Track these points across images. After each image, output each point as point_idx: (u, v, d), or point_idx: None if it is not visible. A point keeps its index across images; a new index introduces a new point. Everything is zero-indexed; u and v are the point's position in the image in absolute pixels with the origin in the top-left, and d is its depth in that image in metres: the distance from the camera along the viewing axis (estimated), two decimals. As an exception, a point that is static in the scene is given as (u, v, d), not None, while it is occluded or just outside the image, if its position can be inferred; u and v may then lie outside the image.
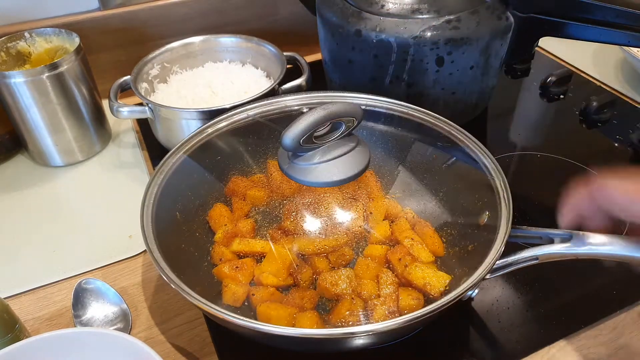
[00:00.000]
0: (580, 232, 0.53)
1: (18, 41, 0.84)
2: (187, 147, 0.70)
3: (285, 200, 0.76)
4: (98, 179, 0.85)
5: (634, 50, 1.00)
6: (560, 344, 0.59)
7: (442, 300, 0.50)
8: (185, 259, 0.64)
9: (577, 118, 0.95)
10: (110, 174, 0.86)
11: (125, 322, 0.63)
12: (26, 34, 0.84)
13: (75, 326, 0.62)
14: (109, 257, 0.71)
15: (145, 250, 0.72)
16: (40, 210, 0.80)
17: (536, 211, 0.74)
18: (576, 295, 0.64)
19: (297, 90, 0.84)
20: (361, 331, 0.49)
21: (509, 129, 0.94)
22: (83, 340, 0.51)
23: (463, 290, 0.51)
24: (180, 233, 0.66)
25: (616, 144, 0.88)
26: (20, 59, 0.85)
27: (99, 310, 0.63)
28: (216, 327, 0.62)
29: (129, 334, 0.60)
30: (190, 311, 0.64)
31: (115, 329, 0.61)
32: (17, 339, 0.54)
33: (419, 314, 0.49)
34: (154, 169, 0.86)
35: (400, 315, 0.57)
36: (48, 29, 0.85)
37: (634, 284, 0.65)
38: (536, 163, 0.85)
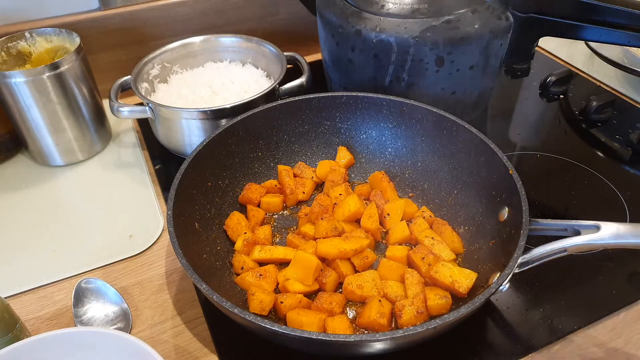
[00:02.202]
0: (608, 223, 0.54)
1: (19, 41, 0.84)
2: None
3: (300, 205, 0.76)
4: (98, 179, 0.86)
5: (634, 50, 1.00)
6: (561, 344, 0.59)
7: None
8: (208, 269, 0.64)
9: (577, 118, 0.95)
10: (110, 173, 0.86)
11: (125, 322, 0.63)
12: (27, 34, 0.84)
13: (75, 325, 0.62)
14: (109, 256, 0.72)
15: (145, 250, 0.73)
16: (41, 209, 0.80)
17: (536, 211, 0.75)
18: (576, 295, 0.64)
19: (298, 90, 0.85)
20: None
21: (509, 128, 0.94)
22: (83, 340, 0.51)
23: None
24: (201, 243, 0.66)
25: (616, 144, 0.88)
26: (21, 59, 0.85)
27: (99, 309, 0.64)
28: (216, 327, 0.62)
29: (130, 333, 0.60)
30: (190, 310, 0.65)
31: (116, 329, 0.61)
32: (17, 338, 0.54)
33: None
34: (154, 169, 0.86)
35: (429, 314, 0.58)
36: (48, 28, 0.85)
37: (634, 284, 0.65)
38: (536, 163, 0.85)
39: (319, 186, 0.79)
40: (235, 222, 0.71)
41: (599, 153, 0.87)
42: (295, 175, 0.79)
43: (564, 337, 0.60)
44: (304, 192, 0.76)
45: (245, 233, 0.69)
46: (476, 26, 0.76)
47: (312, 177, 0.78)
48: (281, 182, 0.77)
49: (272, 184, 0.77)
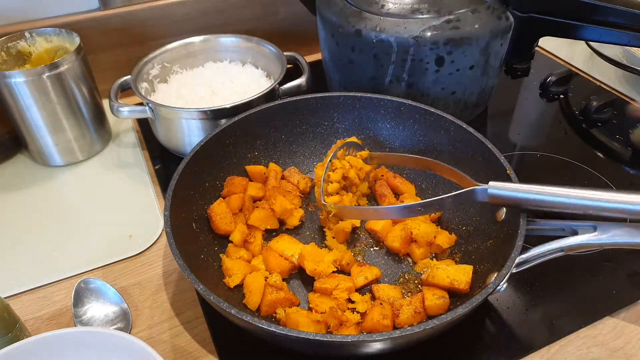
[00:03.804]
0: (605, 222, 0.54)
1: (18, 41, 0.84)
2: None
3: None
4: (98, 179, 0.85)
5: (634, 50, 1.00)
6: (560, 344, 0.59)
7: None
8: (206, 270, 0.64)
9: (577, 118, 0.95)
10: (110, 173, 0.86)
11: (125, 322, 0.63)
12: (27, 34, 0.84)
13: (75, 326, 0.62)
14: (109, 256, 0.71)
15: (144, 250, 0.73)
16: (41, 209, 0.80)
17: (537, 211, 0.74)
18: (576, 294, 0.64)
19: (298, 90, 0.84)
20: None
21: (509, 128, 0.94)
22: (83, 340, 0.51)
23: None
24: (198, 244, 0.66)
25: (616, 144, 0.88)
26: (21, 59, 0.85)
27: (99, 309, 0.64)
28: (216, 326, 0.62)
29: (129, 333, 0.60)
30: (190, 311, 0.65)
31: (116, 329, 0.61)
32: (17, 338, 0.54)
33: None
34: (154, 169, 0.86)
35: (427, 314, 0.58)
36: (48, 28, 0.85)
37: (634, 284, 0.65)
38: (536, 163, 0.85)
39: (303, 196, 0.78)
40: (223, 209, 0.69)
41: (599, 153, 0.87)
42: (283, 178, 0.78)
43: (564, 337, 0.60)
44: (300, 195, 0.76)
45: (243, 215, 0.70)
46: (476, 26, 0.76)
47: (298, 182, 0.77)
48: (267, 178, 0.76)
49: (261, 171, 0.76)
